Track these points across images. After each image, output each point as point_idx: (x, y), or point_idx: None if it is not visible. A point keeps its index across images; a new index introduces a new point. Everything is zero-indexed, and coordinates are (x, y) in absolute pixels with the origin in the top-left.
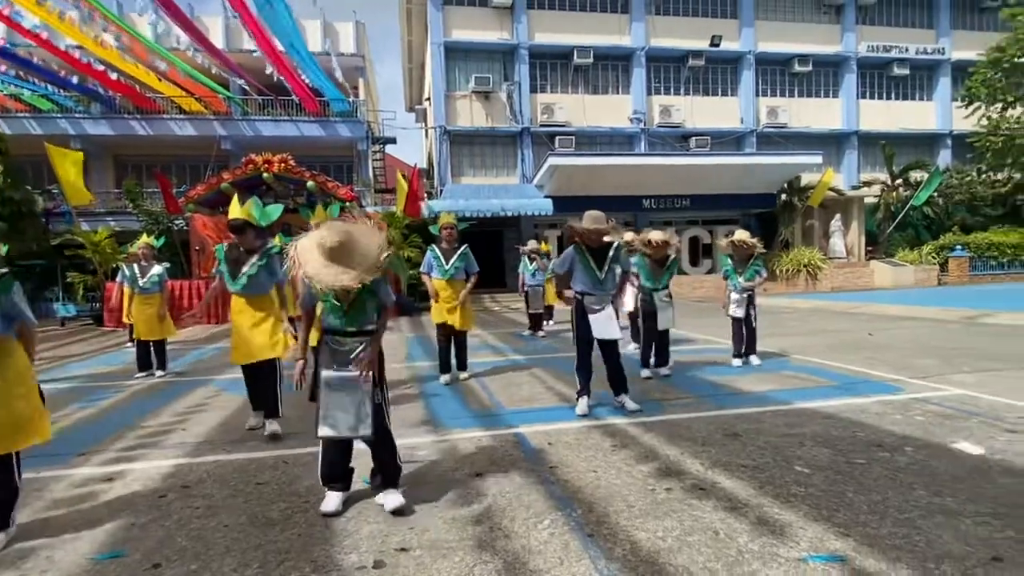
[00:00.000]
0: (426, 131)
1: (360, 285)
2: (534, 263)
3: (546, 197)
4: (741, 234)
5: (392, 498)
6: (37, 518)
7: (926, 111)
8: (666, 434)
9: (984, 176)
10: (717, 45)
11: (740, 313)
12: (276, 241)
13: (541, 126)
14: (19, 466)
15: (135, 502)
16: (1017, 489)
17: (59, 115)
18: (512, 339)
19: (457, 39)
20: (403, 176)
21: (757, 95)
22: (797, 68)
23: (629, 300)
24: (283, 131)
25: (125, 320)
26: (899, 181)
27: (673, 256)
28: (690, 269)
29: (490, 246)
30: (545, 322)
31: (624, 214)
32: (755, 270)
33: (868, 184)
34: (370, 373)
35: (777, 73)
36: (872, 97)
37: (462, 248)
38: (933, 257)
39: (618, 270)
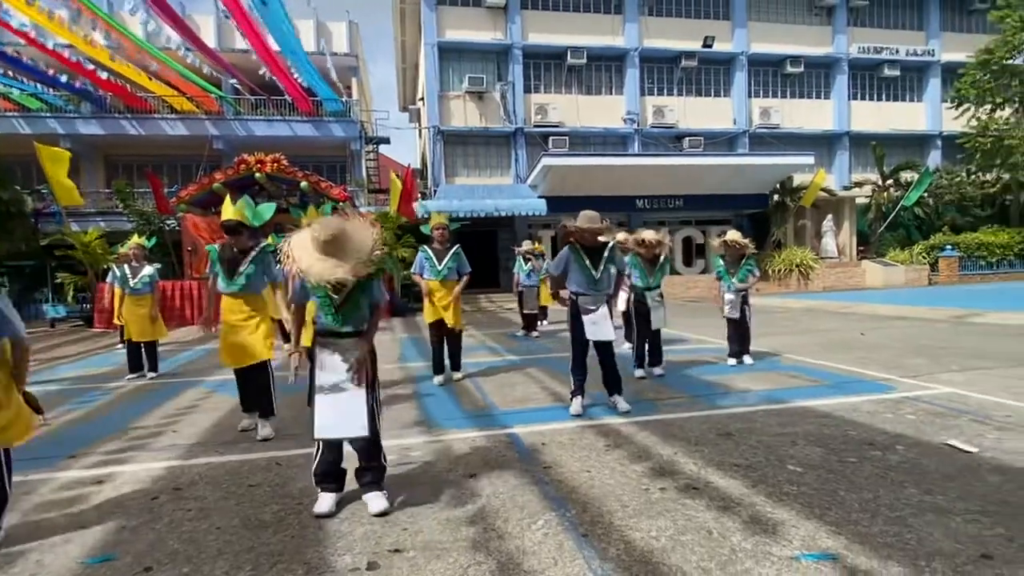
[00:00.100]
0: (420, 131)
1: (355, 278)
2: (529, 263)
3: (540, 197)
4: (733, 234)
5: (376, 502)
6: (26, 521)
7: (916, 112)
8: (660, 434)
9: (973, 177)
10: (710, 46)
11: (736, 314)
12: (269, 240)
13: (535, 126)
14: (9, 472)
15: (126, 505)
16: (1006, 487)
17: (49, 114)
18: (506, 339)
19: (451, 39)
20: (397, 176)
21: (749, 96)
22: (789, 69)
23: (621, 300)
24: (276, 131)
25: (116, 321)
26: (890, 182)
27: (665, 256)
28: (683, 269)
29: (484, 246)
30: (539, 322)
31: (618, 214)
32: (747, 270)
33: (859, 184)
34: (364, 373)
35: (769, 74)
36: (863, 98)
37: (454, 248)
38: (924, 257)
39: (613, 270)
